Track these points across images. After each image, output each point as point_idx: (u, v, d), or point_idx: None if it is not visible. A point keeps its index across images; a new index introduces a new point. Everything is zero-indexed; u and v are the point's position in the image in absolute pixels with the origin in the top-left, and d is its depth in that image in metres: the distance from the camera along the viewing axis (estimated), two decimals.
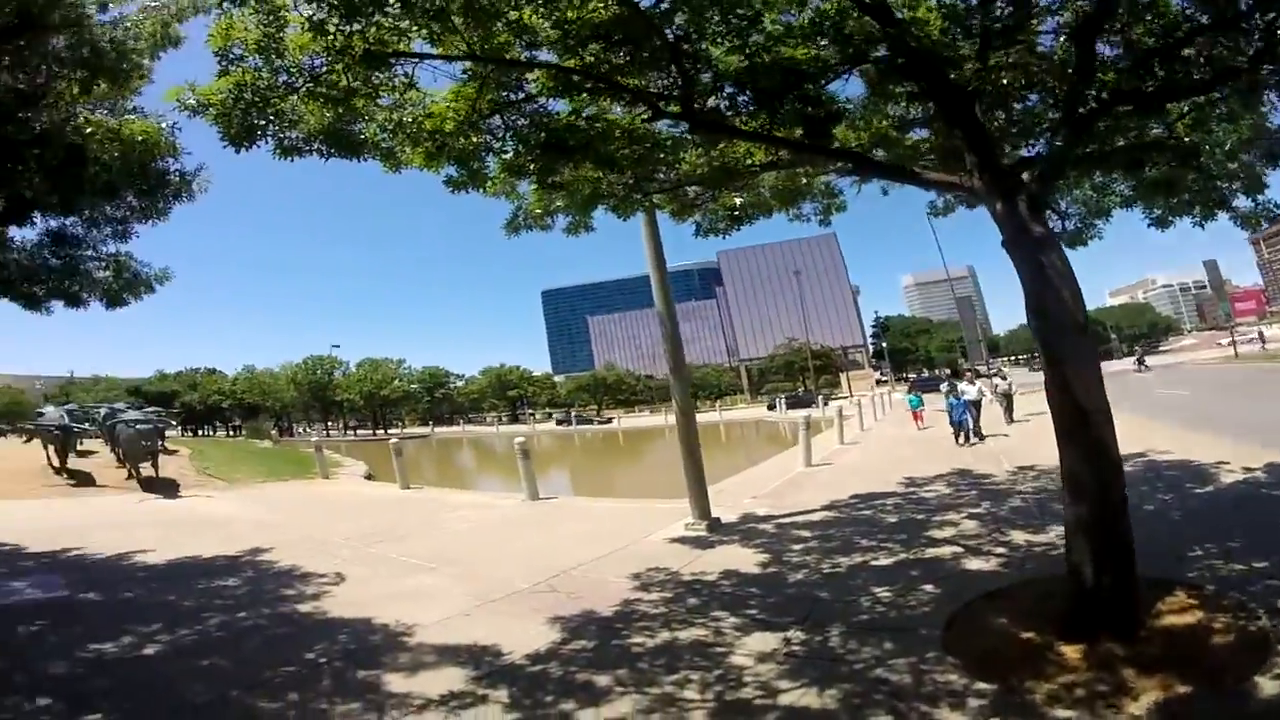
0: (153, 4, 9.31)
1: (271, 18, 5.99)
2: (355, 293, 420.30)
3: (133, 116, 9.98)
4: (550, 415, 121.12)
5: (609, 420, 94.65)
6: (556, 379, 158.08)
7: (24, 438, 29.59)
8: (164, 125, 10.00)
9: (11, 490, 20.33)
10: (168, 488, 20.78)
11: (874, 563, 8.36)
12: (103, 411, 29.30)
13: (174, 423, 26.70)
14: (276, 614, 7.74)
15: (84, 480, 22.44)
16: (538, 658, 6.00)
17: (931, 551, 8.63)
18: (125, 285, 12.50)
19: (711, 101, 7.44)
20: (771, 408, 74.10)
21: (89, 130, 9.42)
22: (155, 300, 13.68)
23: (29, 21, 8.02)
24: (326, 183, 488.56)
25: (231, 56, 6.24)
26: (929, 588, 7.15)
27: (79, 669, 6.21)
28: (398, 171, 7.95)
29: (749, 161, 8.82)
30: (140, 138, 9.56)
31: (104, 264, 12.45)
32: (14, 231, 11.96)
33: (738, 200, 10.19)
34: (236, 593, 8.78)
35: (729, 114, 7.49)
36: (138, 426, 21.57)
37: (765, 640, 6.05)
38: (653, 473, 31.96)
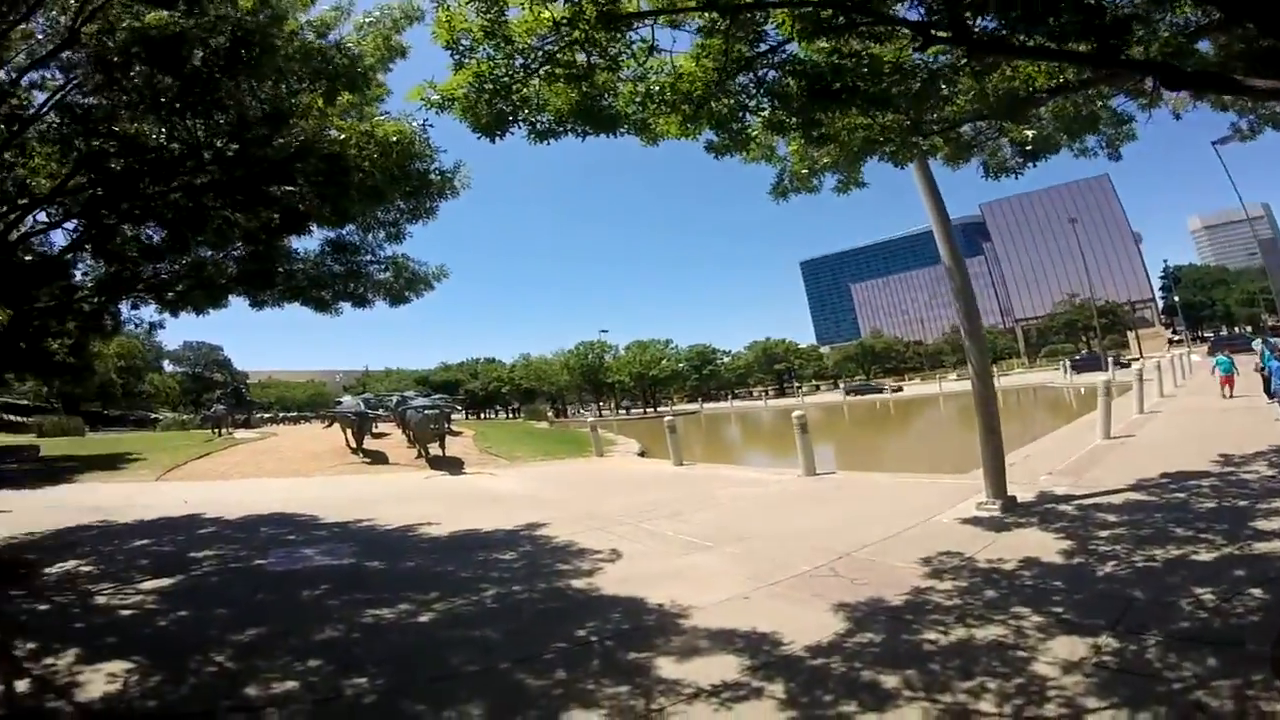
0: (368, 21, 9.67)
1: (489, 3, 5.97)
2: (618, 278, 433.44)
3: (383, 118, 10.61)
4: (818, 387, 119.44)
5: (899, 389, 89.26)
6: (822, 350, 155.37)
7: (325, 423, 33.09)
8: (414, 124, 10.46)
9: (314, 468, 22.87)
10: (453, 465, 22.48)
11: (1193, 557, 7.03)
12: (394, 399, 32.46)
13: (458, 407, 29.06)
14: (550, 589, 7.88)
15: (377, 459, 24.96)
16: (819, 650, 5.56)
17: (1259, 547, 7.11)
18: (406, 284, 13.65)
19: (979, 23, 6.55)
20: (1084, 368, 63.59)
21: (343, 136, 10.01)
22: (435, 297, 14.64)
23: (247, 42, 8.48)
24: (581, 173, 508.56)
25: (461, 49, 6.34)
26: (1257, 592, 5.88)
27: (354, 633, 6.62)
28: (655, 144, 7.76)
29: (1033, 88, 7.83)
30: (394, 138, 10.09)
31: (384, 266, 13.62)
32: (296, 243, 13.31)
33: (1029, 133, 9.09)
34: (512, 566, 9.08)
35: (1004, 32, 6.61)
36: (425, 411, 23.54)
37: (1072, 646, 5.21)
38: (936, 444, 30.53)
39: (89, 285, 15.69)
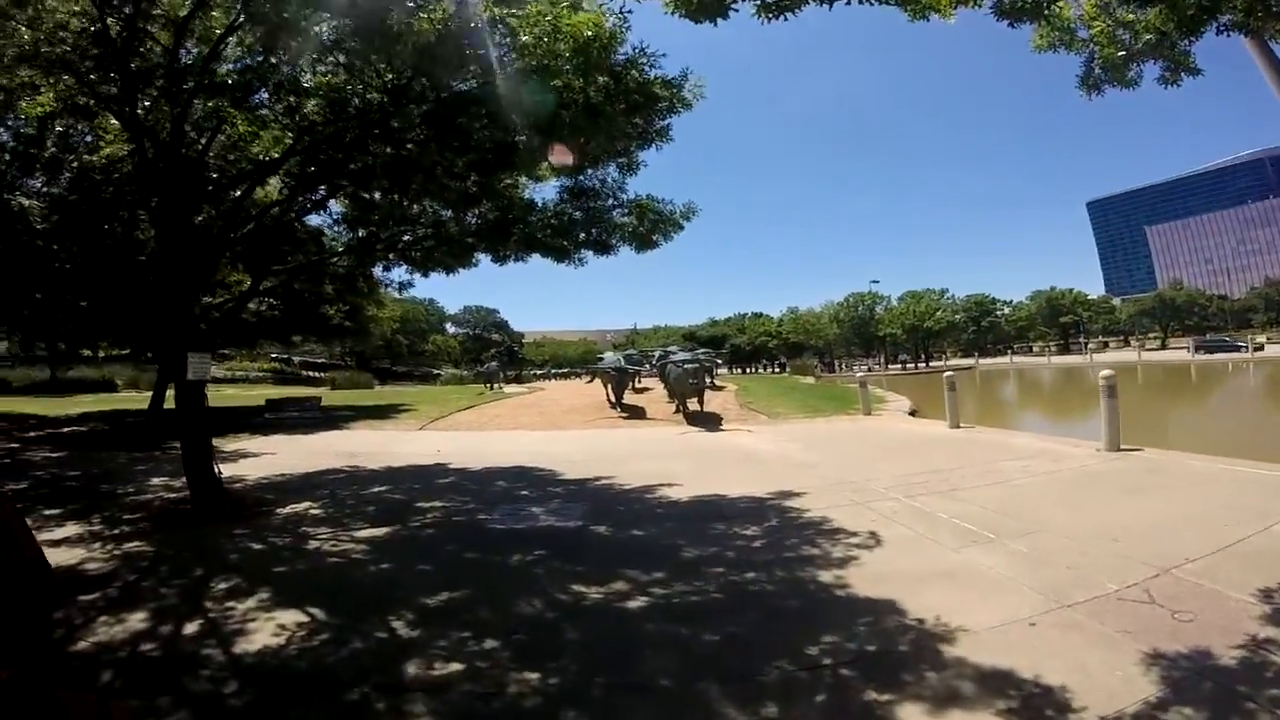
0: None
1: None
2: (887, 226, 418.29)
3: (566, 5, 8.47)
4: (1106, 344, 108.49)
5: (1260, 346, 72.89)
6: (1114, 301, 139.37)
7: (587, 378, 33.45)
8: (607, 12, 8.38)
9: (571, 421, 22.95)
10: (710, 421, 21.65)
11: None
12: (656, 354, 32.17)
13: (720, 361, 28.40)
14: (790, 579, 6.55)
15: (635, 414, 24.72)
16: None
17: None
18: (651, 226, 12.64)
19: None
20: None
21: (516, 23, 8.35)
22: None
23: None
24: (835, 103, 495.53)
25: None
26: None
27: (550, 613, 5.88)
28: (925, 18, 6.10)
29: None
30: (589, 31, 8.06)
31: (626, 210, 12.75)
32: (537, 194, 13.27)
33: None
34: (752, 545, 7.82)
35: None
36: (685, 365, 22.86)
37: None
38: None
39: (339, 249, 16.26)
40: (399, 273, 17.09)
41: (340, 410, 28.51)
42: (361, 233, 14.65)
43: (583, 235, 13.26)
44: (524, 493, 11.26)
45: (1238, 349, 72.41)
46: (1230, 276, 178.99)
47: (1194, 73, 7.82)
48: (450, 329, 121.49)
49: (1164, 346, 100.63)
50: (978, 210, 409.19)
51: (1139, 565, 6.45)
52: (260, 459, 15.77)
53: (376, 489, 11.94)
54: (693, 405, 23.43)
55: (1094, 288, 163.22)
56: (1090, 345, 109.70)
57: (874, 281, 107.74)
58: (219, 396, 31.85)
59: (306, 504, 10.61)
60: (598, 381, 29.29)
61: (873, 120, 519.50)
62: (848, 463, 13.40)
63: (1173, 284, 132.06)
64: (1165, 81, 8.02)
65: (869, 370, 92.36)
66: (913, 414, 24.15)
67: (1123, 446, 12.91)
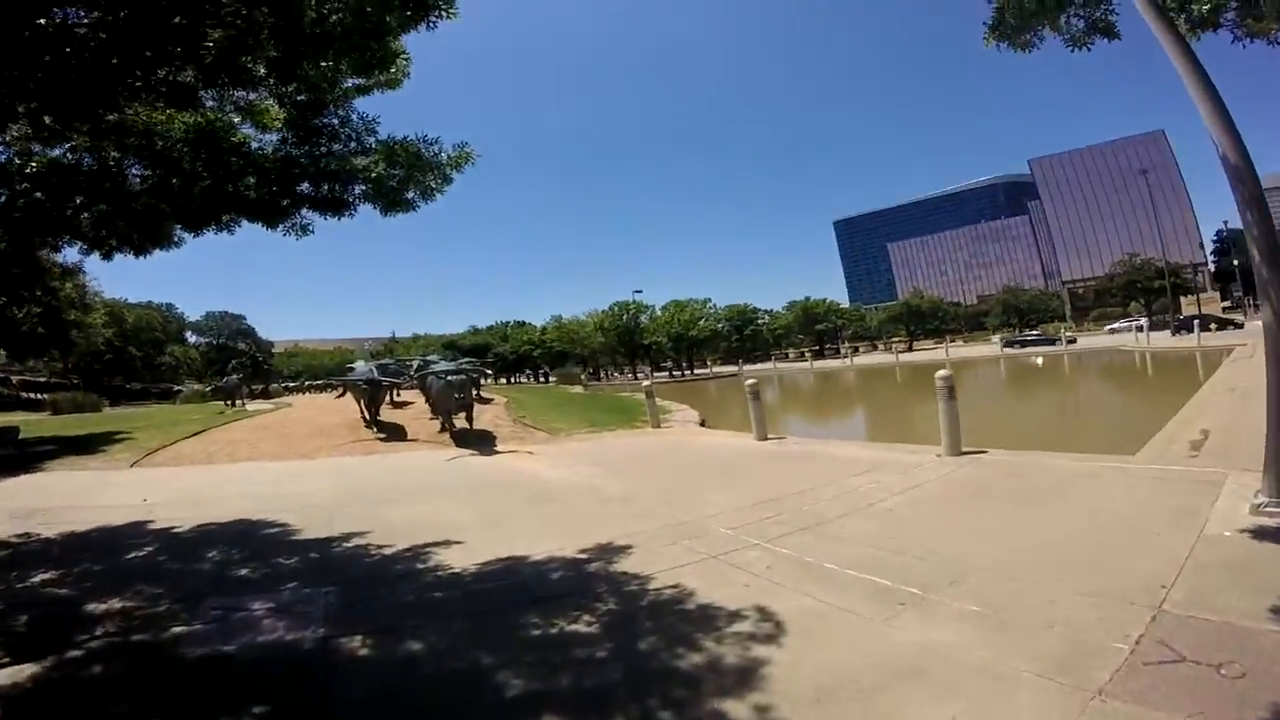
0: None
1: None
2: (644, 243, 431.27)
3: None
4: (856, 349, 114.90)
5: (1073, 340, 73.03)
6: (863, 309, 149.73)
7: (338, 392, 29.37)
8: None
9: (318, 447, 19.26)
10: (483, 442, 18.75)
11: None
12: (415, 363, 28.48)
13: (488, 372, 24.59)
14: None
15: (394, 434, 21.32)
16: None
17: None
18: (406, 176, 9.17)
19: None
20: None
21: None
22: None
23: None
24: (606, 133, 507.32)
25: None
26: None
27: None
28: None
29: None
30: None
31: (373, 156, 9.16)
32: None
33: None
34: (595, 656, 5.02)
35: None
36: (449, 378, 19.49)
37: None
38: (1104, 412, 25.19)
39: None
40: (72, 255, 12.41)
41: (43, 443, 22.74)
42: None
43: (307, 188, 9.34)
44: (245, 571, 7.83)
45: (1052, 343, 72.39)
46: (964, 286, 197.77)
47: (1111, 36, 6.64)
48: (191, 338, 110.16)
49: (910, 349, 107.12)
50: (731, 229, 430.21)
51: (1123, 607, 4.90)
52: None
53: (41, 576, 7.95)
54: (460, 423, 20.43)
55: (839, 298, 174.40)
56: (844, 349, 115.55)
57: (637, 291, 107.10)
58: None
59: None
60: (350, 396, 25.33)
61: (633, 140, 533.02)
62: (667, 491, 10.95)
63: (914, 293, 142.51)
64: (1073, 44, 6.87)
65: (636, 378, 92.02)
66: (703, 424, 22.36)
67: (965, 450, 11.49)
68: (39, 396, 61.66)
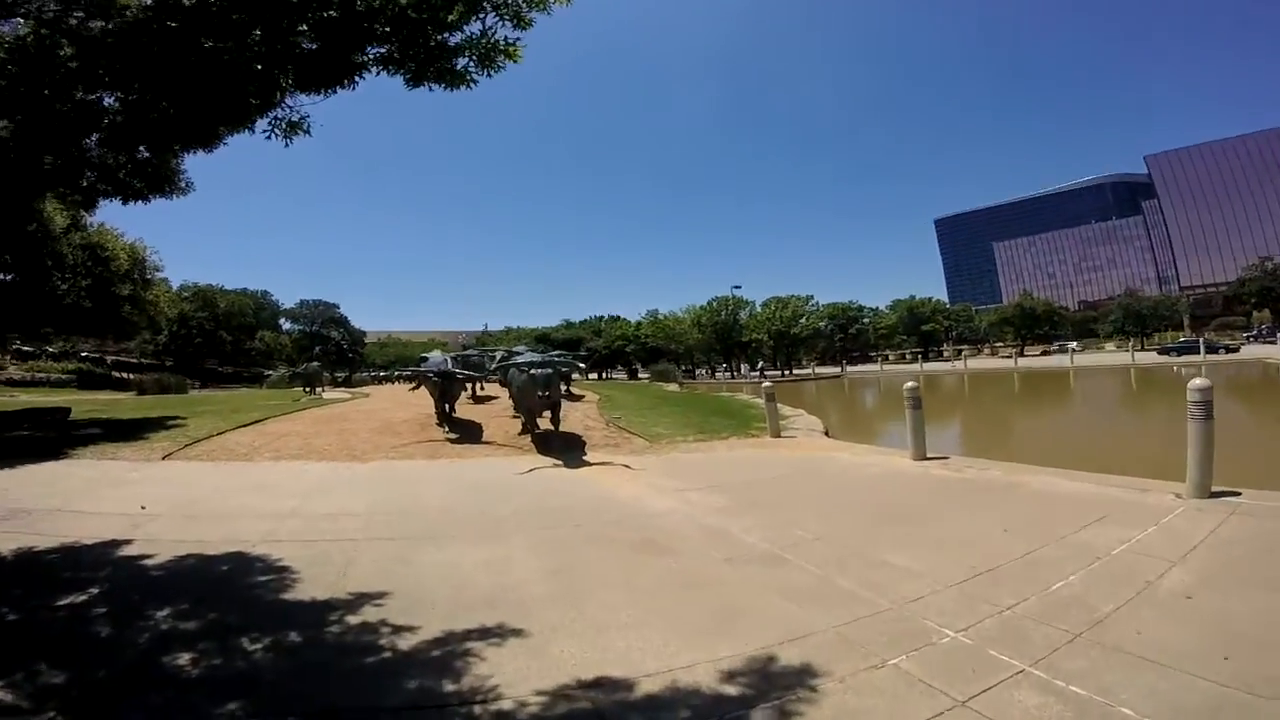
0: None
1: None
2: (746, 236, 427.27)
3: None
4: (959, 352, 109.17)
5: (1235, 349, 69.31)
6: (973, 309, 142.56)
7: (412, 385, 26.74)
8: None
9: (378, 446, 16.60)
10: (569, 449, 15.78)
11: None
12: (498, 354, 25.36)
13: (582, 366, 20.82)
14: None
15: (467, 434, 18.48)
16: None
17: None
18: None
19: None
20: None
21: None
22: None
23: None
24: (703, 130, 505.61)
25: None
26: None
27: None
28: None
29: None
30: None
31: None
32: None
33: None
34: None
35: None
36: (534, 372, 16.21)
37: None
38: None
39: None
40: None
41: (91, 426, 20.79)
42: None
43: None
44: (184, 659, 4.89)
45: (1215, 351, 67.31)
46: (1073, 290, 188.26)
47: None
48: (285, 324, 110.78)
49: (1022, 354, 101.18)
50: (829, 228, 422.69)
51: None
52: None
53: None
54: (544, 424, 17.52)
55: (939, 297, 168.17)
56: (950, 352, 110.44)
57: (736, 287, 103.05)
58: None
59: None
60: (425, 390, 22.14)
61: (728, 150, 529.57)
62: (829, 548, 7.48)
63: (1023, 295, 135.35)
64: None
65: (731, 377, 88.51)
66: (826, 434, 18.97)
67: (1215, 490, 8.44)
68: (129, 377, 62.24)
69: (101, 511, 9.99)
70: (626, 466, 13.60)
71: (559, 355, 22.83)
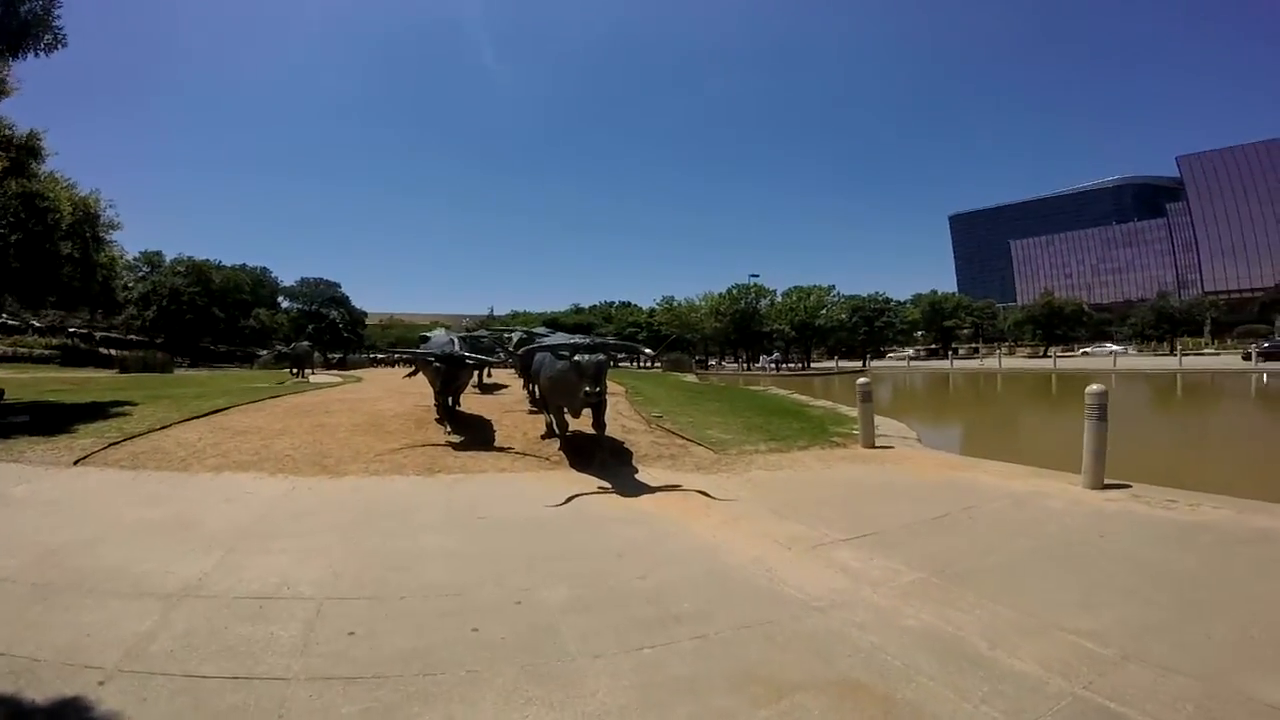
0: None
1: None
2: (760, 228, 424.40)
3: None
4: (976, 350, 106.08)
5: None
6: (996, 306, 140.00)
7: (408, 370, 22.60)
8: None
9: (359, 452, 12.75)
10: (614, 463, 11.83)
11: None
12: (514, 335, 20.77)
13: (649, 352, 15.40)
14: None
15: (475, 436, 14.33)
16: None
17: None
18: None
19: None
20: None
21: None
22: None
23: None
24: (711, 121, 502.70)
25: None
26: None
27: None
28: None
29: None
30: None
31: None
32: None
33: None
34: None
35: None
36: (577, 358, 11.05)
37: None
38: None
39: None
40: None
41: (23, 412, 16.75)
42: None
43: None
44: None
45: None
46: (1091, 291, 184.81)
47: None
48: (284, 303, 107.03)
49: (1046, 354, 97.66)
50: (841, 221, 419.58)
51: None
52: None
53: None
54: (573, 422, 13.30)
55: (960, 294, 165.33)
56: (1000, 349, 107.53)
57: (753, 275, 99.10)
58: None
59: None
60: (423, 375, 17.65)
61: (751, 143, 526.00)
62: (1201, 689, 3.76)
63: (1045, 294, 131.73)
64: None
65: (748, 369, 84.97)
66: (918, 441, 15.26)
67: None
68: (114, 353, 59.13)
69: None
70: (704, 494, 9.68)
71: (602, 341, 16.13)
